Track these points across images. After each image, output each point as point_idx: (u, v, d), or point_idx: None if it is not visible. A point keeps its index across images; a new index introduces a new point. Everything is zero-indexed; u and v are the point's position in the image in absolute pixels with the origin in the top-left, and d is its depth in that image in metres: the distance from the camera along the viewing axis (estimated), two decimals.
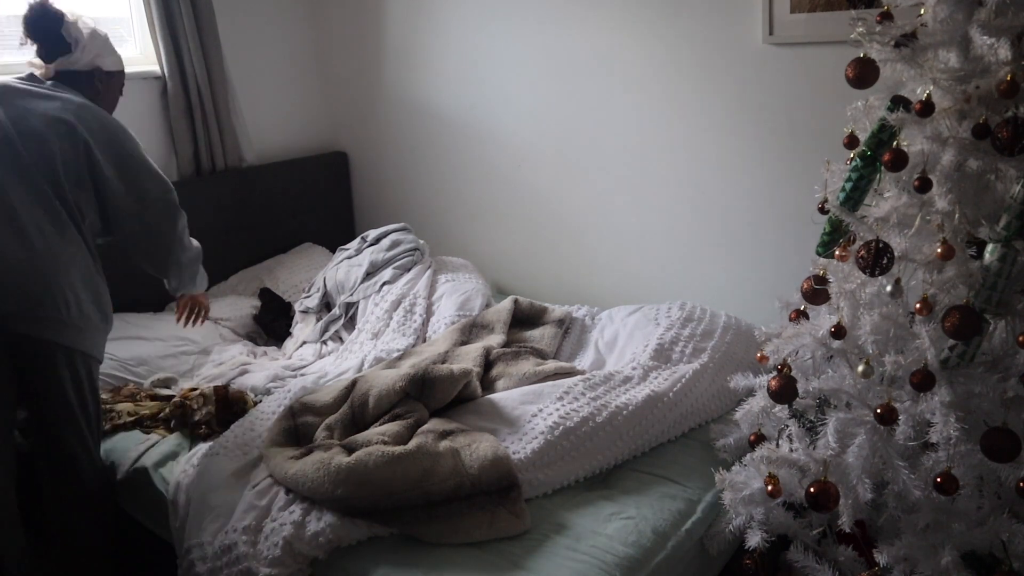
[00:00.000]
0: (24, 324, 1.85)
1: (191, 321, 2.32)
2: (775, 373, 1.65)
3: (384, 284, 2.78)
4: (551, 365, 2.24)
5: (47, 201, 1.87)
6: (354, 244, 3.01)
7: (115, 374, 2.40)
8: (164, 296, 2.92)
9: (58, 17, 1.93)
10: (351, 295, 2.78)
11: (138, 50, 2.97)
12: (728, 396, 2.15)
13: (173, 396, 2.31)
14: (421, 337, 2.60)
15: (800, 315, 1.78)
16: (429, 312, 2.70)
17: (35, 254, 1.85)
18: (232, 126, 3.08)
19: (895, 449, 1.50)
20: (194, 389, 2.29)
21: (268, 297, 2.97)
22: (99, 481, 2.06)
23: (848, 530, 1.55)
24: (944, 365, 1.44)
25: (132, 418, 2.23)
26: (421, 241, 3.03)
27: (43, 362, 1.90)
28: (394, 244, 2.93)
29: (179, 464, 2.02)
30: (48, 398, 1.93)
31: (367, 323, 2.69)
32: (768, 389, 1.65)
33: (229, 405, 2.23)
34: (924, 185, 1.43)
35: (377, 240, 2.99)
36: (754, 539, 1.68)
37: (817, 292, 1.66)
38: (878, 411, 1.46)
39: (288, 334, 2.84)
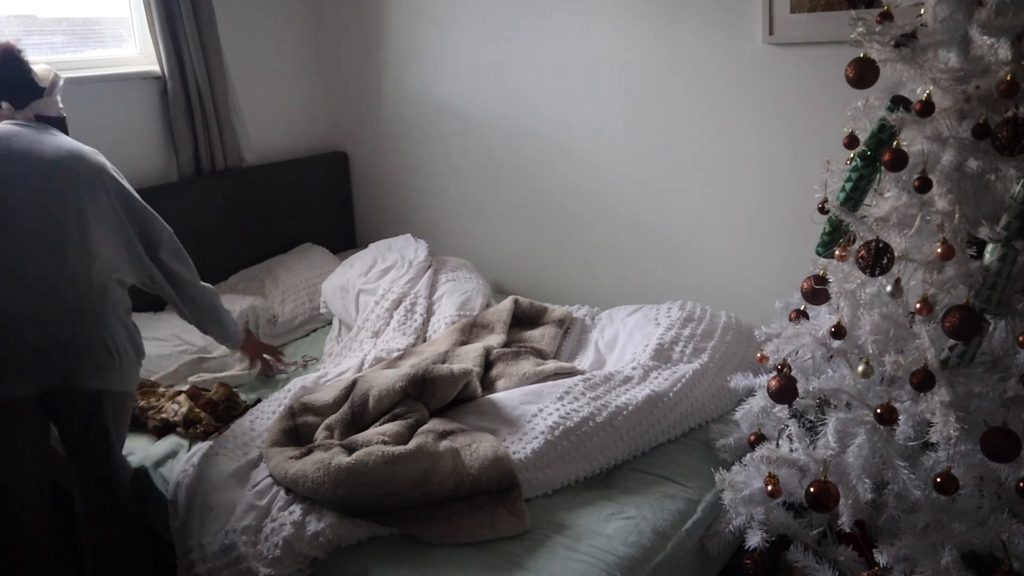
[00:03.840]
0: (77, 376, 1.84)
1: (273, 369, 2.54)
2: (775, 373, 1.65)
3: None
4: (551, 365, 2.24)
5: (75, 241, 1.83)
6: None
7: None
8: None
9: (25, 62, 1.89)
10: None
11: (138, 50, 2.97)
12: (728, 396, 2.15)
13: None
14: (421, 337, 2.60)
15: (800, 315, 1.78)
16: (429, 312, 2.71)
17: (77, 297, 1.83)
18: (232, 126, 3.08)
19: (895, 449, 1.50)
20: (179, 392, 2.30)
21: None
22: (135, 504, 2.08)
23: (848, 530, 1.55)
24: (944, 365, 1.44)
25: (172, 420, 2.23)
26: (422, 240, 3.04)
27: (89, 410, 1.90)
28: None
29: (179, 464, 2.02)
30: (93, 444, 1.94)
31: (367, 322, 2.69)
32: (768, 389, 1.65)
33: (214, 405, 2.24)
34: (924, 185, 1.43)
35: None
36: (754, 539, 1.68)
37: (817, 292, 1.66)
38: (878, 411, 1.46)
39: None
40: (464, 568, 1.62)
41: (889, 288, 1.49)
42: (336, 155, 3.60)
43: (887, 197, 1.51)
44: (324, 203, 3.54)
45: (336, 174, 3.60)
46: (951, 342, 1.44)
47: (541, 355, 2.36)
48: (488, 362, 2.31)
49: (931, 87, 1.43)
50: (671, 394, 2.06)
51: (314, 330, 2.99)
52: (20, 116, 1.88)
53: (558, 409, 1.98)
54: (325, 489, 1.72)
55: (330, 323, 2.99)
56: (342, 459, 1.76)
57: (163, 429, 2.20)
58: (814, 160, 1.84)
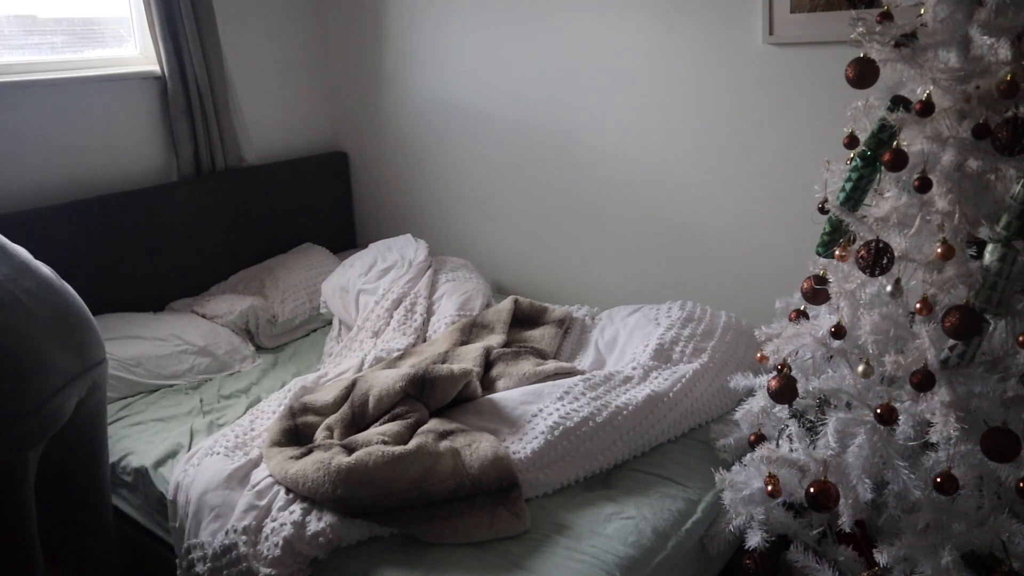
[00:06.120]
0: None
1: None
2: (775, 373, 1.65)
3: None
4: (551, 365, 2.24)
5: None
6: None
7: (114, 373, 2.40)
8: (164, 296, 2.94)
9: None
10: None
11: (138, 50, 2.97)
12: (728, 396, 2.15)
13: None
14: (421, 337, 2.60)
15: (800, 315, 1.78)
16: (429, 311, 2.71)
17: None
18: (232, 126, 3.08)
19: (895, 449, 1.50)
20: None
21: None
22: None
23: (848, 530, 1.55)
24: (944, 365, 1.44)
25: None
26: (422, 240, 3.04)
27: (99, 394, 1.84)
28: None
29: (179, 464, 2.02)
30: (97, 428, 1.88)
31: (367, 322, 2.69)
32: (768, 389, 1.65)
33: None
34: (924, 185, 1.43)
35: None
36: (754, 539, 1.68)
37: (817, 292, 1.66)
38: (878, 411, 1.46)
39: None
40: (464, 568, 1.62)
41: (889, 288, 1.49)
42: (336, 155, 3.60)
43: (887, 197, 1.51)
44: (324, 203, 3.54)
45: (336, 174, 3.60)
46: (951, 342, 1.43)
47: (541, 355, 2.36)
48: (488, 362, 2.31)
49: (931, 87, 1.43)
50: (671, 394, 2.06)
51: (314, 330, 3.00)
52: None
53: (558, 409, 1.97)
54: (325, 489, 1.72)
55: (330, 323, 2.99)
56: (342, 459, 1.76)
57: None
58: (814, 160, 1.84)
